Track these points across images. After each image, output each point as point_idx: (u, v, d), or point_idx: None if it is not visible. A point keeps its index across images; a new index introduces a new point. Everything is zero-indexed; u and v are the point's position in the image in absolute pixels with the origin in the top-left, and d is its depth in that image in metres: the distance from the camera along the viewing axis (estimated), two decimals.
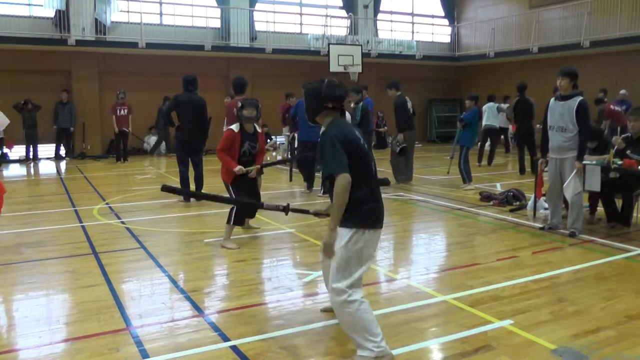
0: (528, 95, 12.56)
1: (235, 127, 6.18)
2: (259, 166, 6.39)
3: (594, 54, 17.52)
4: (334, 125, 3.42)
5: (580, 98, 6.36)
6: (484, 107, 13.99)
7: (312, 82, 3.58)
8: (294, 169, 10.66)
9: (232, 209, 6.19)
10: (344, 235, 3.32)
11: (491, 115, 14.10)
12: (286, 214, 4.36)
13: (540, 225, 7.06)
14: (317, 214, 4.12)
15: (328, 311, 4.18)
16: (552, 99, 6.64)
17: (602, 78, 16.57)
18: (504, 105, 14.89)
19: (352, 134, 3.39)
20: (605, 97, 14.95)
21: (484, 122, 13.94)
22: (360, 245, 3.31)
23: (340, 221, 3.33)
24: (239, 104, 6.28)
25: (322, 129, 3.47)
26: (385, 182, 10.37)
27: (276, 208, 4.40)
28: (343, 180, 3.20)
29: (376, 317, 3.87)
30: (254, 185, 6.55)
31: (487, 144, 14.45)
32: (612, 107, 12.92)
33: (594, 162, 6.65)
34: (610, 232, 6.82)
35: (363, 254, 3.33)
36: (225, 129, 7.84)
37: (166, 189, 4.75)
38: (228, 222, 6.20)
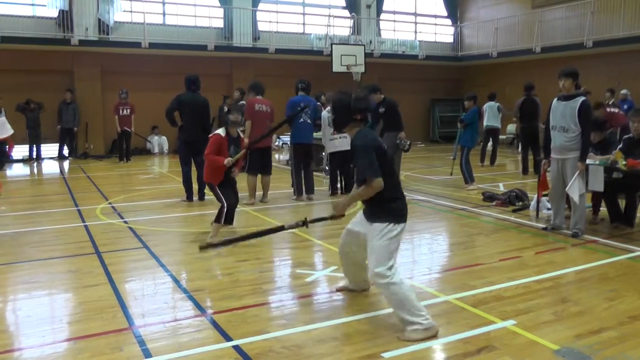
0: (534, 95, 12.52)
1: (221, 131, 6.45)
2: (237, 170, 6.78)
3: (597, 54, 17.48)
4: (363, 134, 3.92)
5: (583, 98, 6.36)
6: (485, 107, 13.93)
7: (337, 93, 4.05)
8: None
9: (221, 208, 6.37)
10: (379, 229, 3.84)
11: (492, 115, 14.02)
12: (307, 227, 4.51)
13: (543, 226, 7.05)
14: (333, 217, 4.37)
15: (343, 290, 4.64)
16: (555, 99, 6.63)
17: (605, 78, 16.52)
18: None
19: (379, 141, 3.93)
20: (613, 97, 14.89)
21: (485, 123, 13.90)
22: (392, 235, 3.83)
23: (374, 217, 3.89)
24: (225, 109, 6.48)
25: (349, 137, 3.99)
26: None
27: (296, 225, 4.55)
28: (377, 184, 3.76)
29: (379, 317, 4.10)
30: (235, 185, 6.84)
31: (489, 143, 14.41)
32: (607, 109, 12.87)
33: (597, 162, 6.64)
34: (614, 232, 6.81)
35: (395, 243, 3.87)
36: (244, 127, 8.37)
37: (205, 247, 5.17)
38: (217, 221, 6.40)
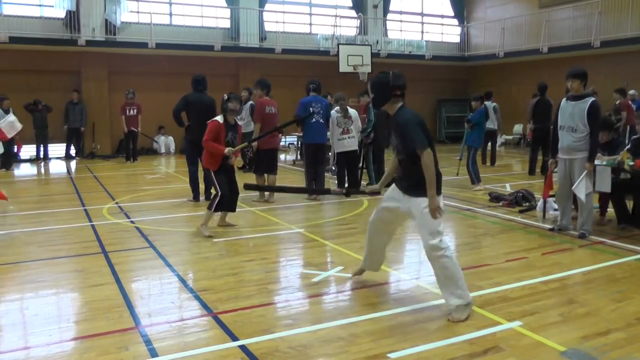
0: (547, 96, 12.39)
1: (219, 118, 6.59)
2: (240, 156, 6.97)
3: (604, 54, 17.41)
4: (406, 110, 4.19)
5: (592, 99, 6.31)
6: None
7: (378, 74, 4.35)
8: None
9: (214, 196, 6.52)
10: (425, 203, 4.01)
11: (489, 115, 13.69)
12: (347, 196, 4.94)
13: (550, 226, 7.02)
14: (372, 193, 4.82)
15: (358, 274, 4.91)
16: (564, 99, 6.59)
17: (612, 78, 16.44)
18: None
19: (421, 116, 4.16)
20: (620, 97, 14.78)
21: None
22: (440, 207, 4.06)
23: (417, 191, 4.06)
24: (225, 97, 6.69)
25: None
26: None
27: (340, 192, 5.03)
28: (429, 154, 3.96)
29: (385, 317, 4.12)
30: (234, 173, 6.97)
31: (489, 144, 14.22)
32: (630, 101, 12.86)
33: (605, 162, 6.61)
34: (621, 233, 6.77)
35: (440, 213, 4.05)
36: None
37: (248, 186, 5.53)
38: (210, 208, 6.57)
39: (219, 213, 6.96)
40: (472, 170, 10.31)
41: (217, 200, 6.49)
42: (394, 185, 4.44)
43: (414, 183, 4.10)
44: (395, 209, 4.36)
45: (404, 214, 4.35)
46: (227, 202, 6.75)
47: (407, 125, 4.07)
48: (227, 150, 6.38)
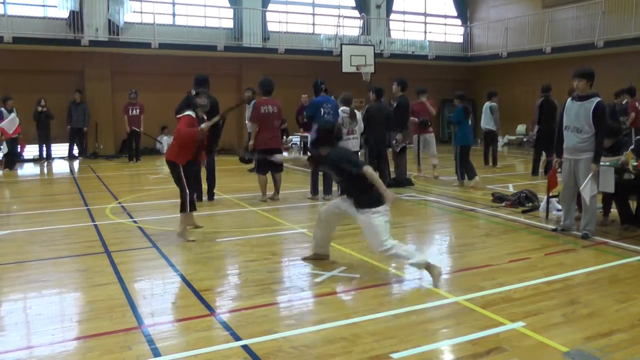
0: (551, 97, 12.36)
1: (191, 113, 6.57)
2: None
3: (608, 54, 17.35)
4: (335, 149, 5.22)
5: (598, 99, 6.26)
6: (484, 106, 13.75)
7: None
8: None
9: (184, 195, 6.45)
10: (379, 211, 4.90)
11: (486, 116, 13.63)
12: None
13: (553, 227, 7.00)
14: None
15: (309, 259, 5.56)
16: (569, 99, 6.56)
17: (616, 78, 16.36)
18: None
19: (344, 150, 5.45)
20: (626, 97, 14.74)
21: (482, 125, 13.72)
22: (388, 213, 4.99)
23: (365, 205, 4.93)
24: (193, 92, 6.88)
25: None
26: (410, 183, 10.78)
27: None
28: (368, 168, 4.95)
29: (387, 317, 4.12)
30: (199, 173, 7.03)
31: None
32: (637, 104, 12.82)
33: (608, 163, 6.59)
34: (624, 234, 6.75)
35: (389, 219, 5.01)
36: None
37: (306, 258, 5.67)
38: (183, 210, 6.46)
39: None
40: (460, 168, 10.47)
41: (187, 199, 6.42)
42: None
43: (358, 198, 5.00)
44: (344, 211, 5.24)
45: (351, 217, 5.19)
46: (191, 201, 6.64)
47: (338, 161, 5.06)
48: (204, 124, 6.43)
